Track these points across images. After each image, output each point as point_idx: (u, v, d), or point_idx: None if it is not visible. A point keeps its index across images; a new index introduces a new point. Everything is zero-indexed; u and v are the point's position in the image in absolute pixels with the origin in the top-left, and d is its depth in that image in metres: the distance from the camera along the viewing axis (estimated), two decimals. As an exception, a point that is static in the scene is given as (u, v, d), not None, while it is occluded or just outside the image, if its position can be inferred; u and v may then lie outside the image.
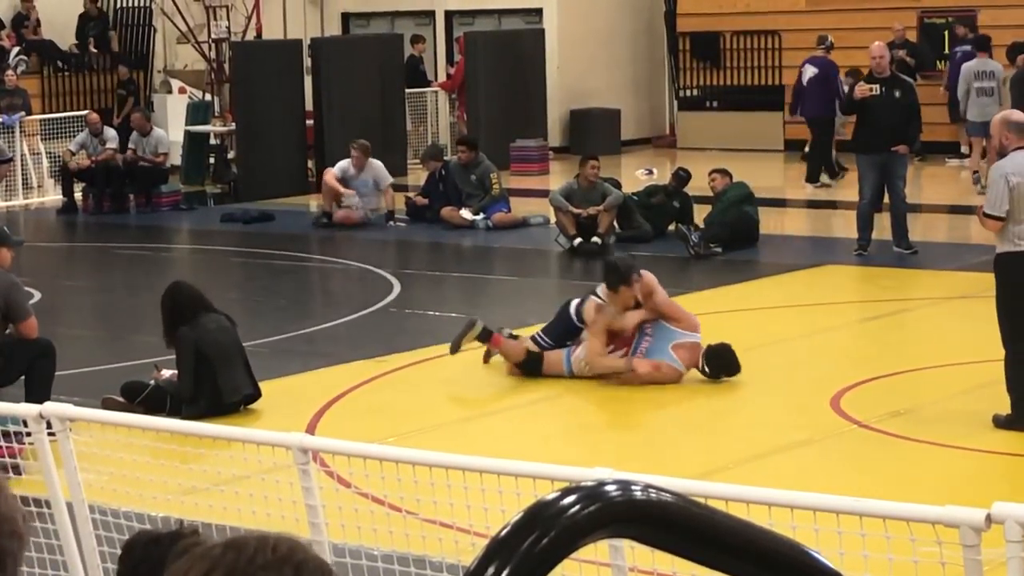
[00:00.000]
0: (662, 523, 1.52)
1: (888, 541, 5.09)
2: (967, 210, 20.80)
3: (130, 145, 22.87)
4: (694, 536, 1.52)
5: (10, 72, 25.76)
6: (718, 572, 1.66)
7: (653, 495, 1.52)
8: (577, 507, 1.49)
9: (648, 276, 12.24)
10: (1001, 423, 10.44)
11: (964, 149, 24.17)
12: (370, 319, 14.93)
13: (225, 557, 2.12)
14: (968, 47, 23.53)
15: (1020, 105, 16.69)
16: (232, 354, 11.49)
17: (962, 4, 25.75)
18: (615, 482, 1.53)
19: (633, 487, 1.53)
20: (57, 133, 25.05)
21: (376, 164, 20.93)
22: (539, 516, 1.49)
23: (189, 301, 11.57)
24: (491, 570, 1.40)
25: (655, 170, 24.45)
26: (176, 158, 25.05)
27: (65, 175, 23.18)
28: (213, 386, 11.38)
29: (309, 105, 24.50)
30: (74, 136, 24.18)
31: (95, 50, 28.43)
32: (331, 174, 21.07)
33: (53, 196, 23.94)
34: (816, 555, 1.59)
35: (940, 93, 24.12)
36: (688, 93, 28.79)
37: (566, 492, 1.50)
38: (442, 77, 28.75)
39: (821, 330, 13.87)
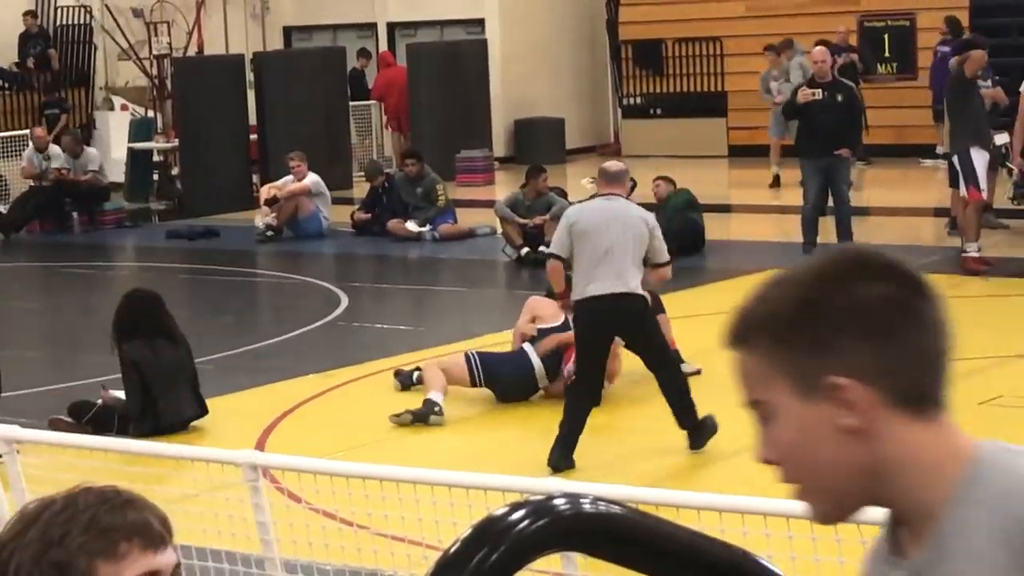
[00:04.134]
0: (611, 536, 1.52)
1: (838, 544, 5.11)
2: (921, 212, 20.93)
3: (64, 166, 22.71)
4: (643, 548, 1.53)
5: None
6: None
7: (602, 508, 1.53)
8: (526, 522, 1.49)
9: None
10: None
11: (939, 149, 23.99)
12: (318, 333, 14.89)
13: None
14: (947, 48, 23.53)
15: (955, 106, 16.79)
16: (176, 376, 11.40)
17: (901, 8, 25.91)
18: (564, 495, 1.53)
19: (582, 500, 1.53)
20: (-2, 152, 24.90)
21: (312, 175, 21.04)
22: (488, 532, 1.49)
23: (138, 316, 11.48)
24: (441, 588, 1.40)
25: (600, 178, 24.47)
26: (119, 175, 24.92)
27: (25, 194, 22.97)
28: (155, 408, 11.33)
29: (252, 120, 24.43)
30: (14, 154, 24.05)
31: (33, 68, 28.21)
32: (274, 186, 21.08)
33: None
34: (765, 563, 1.60)
35: (927, 92, 23.88)
36: (631, 101, 28.86)
37: (515, 507, 1.50)
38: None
39: (768, 334, 13.90)
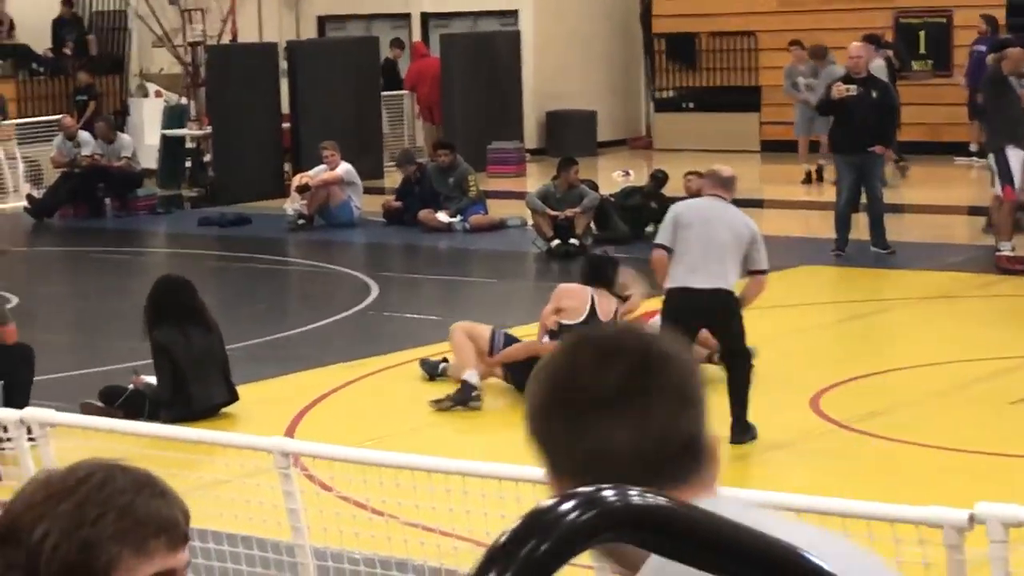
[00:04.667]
0: (661, 527, 1.51)
1: (871, 542, 5.09)
2: (953, 210, 20.88)
3: (98, 151, 22.76)
4: (692, 539, 1.52)
5: (-16, 77, 25.68)
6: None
7: (651, 499, 1.52)
8: (576, 513, 1.48)
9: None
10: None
11: (973, 147, 24.08)
12: (348, 322, 14.91)
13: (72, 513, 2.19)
14: (983, 47, 23.53)
15: (991, 104, 16.73)
16: (207, 362, 11.43)
17: (937, 5, 25.81)
18: (612, 486, 1.52)
19: (630, 491, 1.52)
20: (33, 137, 24.97)
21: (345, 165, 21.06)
22: (537, 523, 1.47)
23: (170, 302, 11.52)
24: (489, 579, 1.39)
25: (632, 172, 24.46)
26: (152, 162, 24.98)
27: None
28: (186, 393, 11.36)
29: (285, 108, 24.46)
30: (48, 139, 24.14)
31: (69, 53, 28.28)
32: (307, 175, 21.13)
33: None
34: (814, 558, 1.59)
35: (961, 90, 23.85)
36: (664, 94, 28.81)
37: (564, 497, 1.50)
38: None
39: (799, 330, 13.88)
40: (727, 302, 10.29)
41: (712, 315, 10.33)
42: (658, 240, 10.57)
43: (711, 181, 10.78)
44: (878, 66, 22.30)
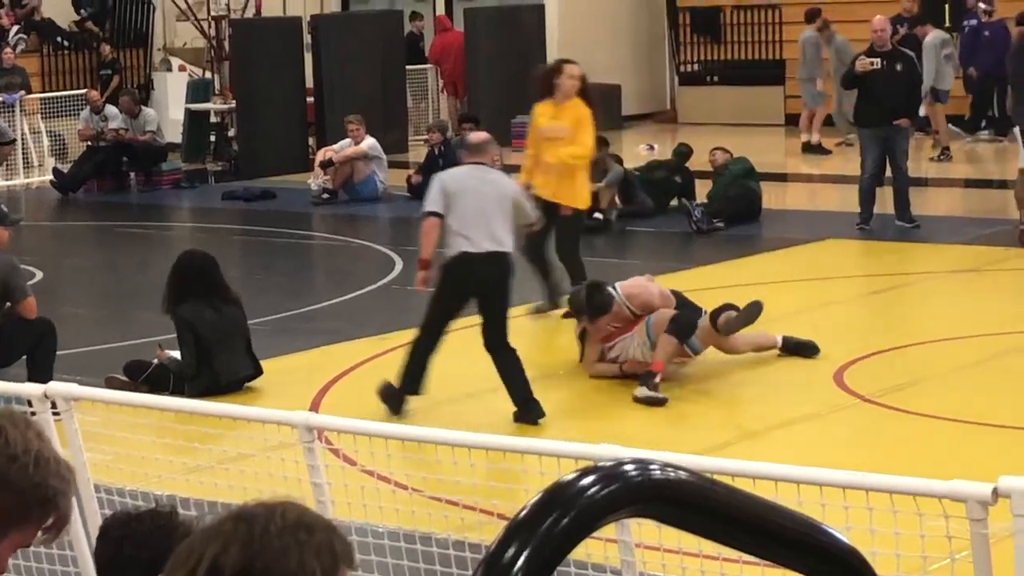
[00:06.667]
0: (681, 502, 1.51)
1: (894, 516, 5.09)
2: (978, 184, 20.82)
3: (123, 126, 22.82)
4: (713, 515, 1.52)
5: (8, 50, 25.71)
6: (731, 549, 1.65)
7: (672, 474, 1.52)
8: (596, 487, 1.48)
9: (628, 286, 11.77)
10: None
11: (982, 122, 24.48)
12: (372, 296, 14.92)
13: (238, 531, 2.08)
14: (975, 21, 23.57)
15: (1019, 78, 16.66)
16: (231, 336, 11.46)
17: (963, -23, 25.65)
18: (632, 461, 1.52)
19: (651, 466, 1.52)
20: (57, 112, 25.02)
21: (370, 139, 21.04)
22: (558, 497, 1.48)
23: (194, 277, 11.54)
24: (511, 551, 1.39)
25: (656, 146, 24.41)
26: (176, 136, 25.01)
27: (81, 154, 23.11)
28: (211, 367, 11.39)
29: (309, 82, 24.46)
30: (72, 114, 24.19)
31: (95, 28, 28.30)
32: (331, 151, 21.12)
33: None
34: (834, 532, 1.59)
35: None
36: (689, 68, 28.73)
37: (584, 472, 1.50)
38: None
39: (823, 304, 13.86)
40: (505, 266, 10.43)
41: (491, 281, 10.41)
42: (430, 207, 10.54)
43: (467, 151, 10.97)
44: (936, 38, 22.40)
